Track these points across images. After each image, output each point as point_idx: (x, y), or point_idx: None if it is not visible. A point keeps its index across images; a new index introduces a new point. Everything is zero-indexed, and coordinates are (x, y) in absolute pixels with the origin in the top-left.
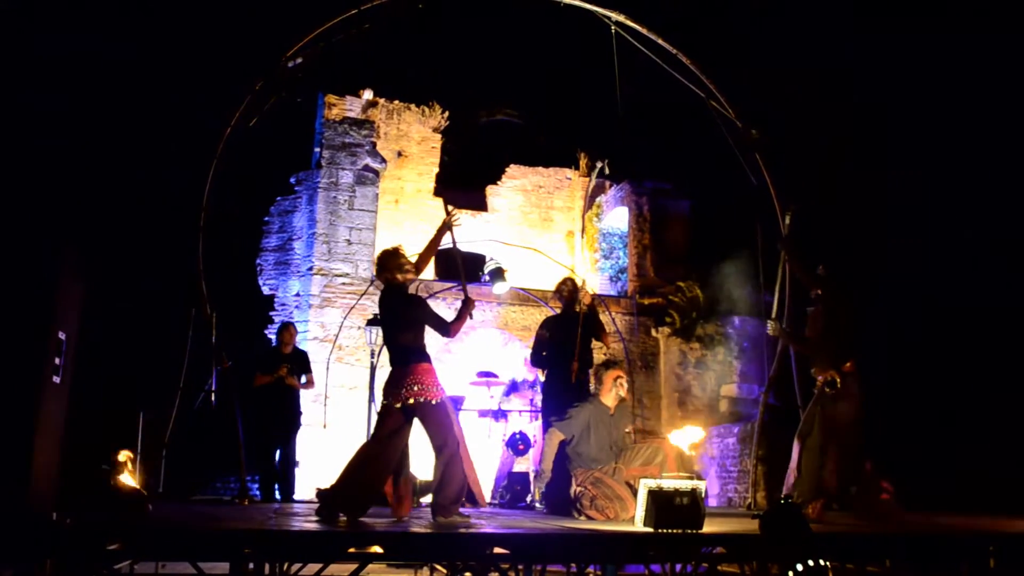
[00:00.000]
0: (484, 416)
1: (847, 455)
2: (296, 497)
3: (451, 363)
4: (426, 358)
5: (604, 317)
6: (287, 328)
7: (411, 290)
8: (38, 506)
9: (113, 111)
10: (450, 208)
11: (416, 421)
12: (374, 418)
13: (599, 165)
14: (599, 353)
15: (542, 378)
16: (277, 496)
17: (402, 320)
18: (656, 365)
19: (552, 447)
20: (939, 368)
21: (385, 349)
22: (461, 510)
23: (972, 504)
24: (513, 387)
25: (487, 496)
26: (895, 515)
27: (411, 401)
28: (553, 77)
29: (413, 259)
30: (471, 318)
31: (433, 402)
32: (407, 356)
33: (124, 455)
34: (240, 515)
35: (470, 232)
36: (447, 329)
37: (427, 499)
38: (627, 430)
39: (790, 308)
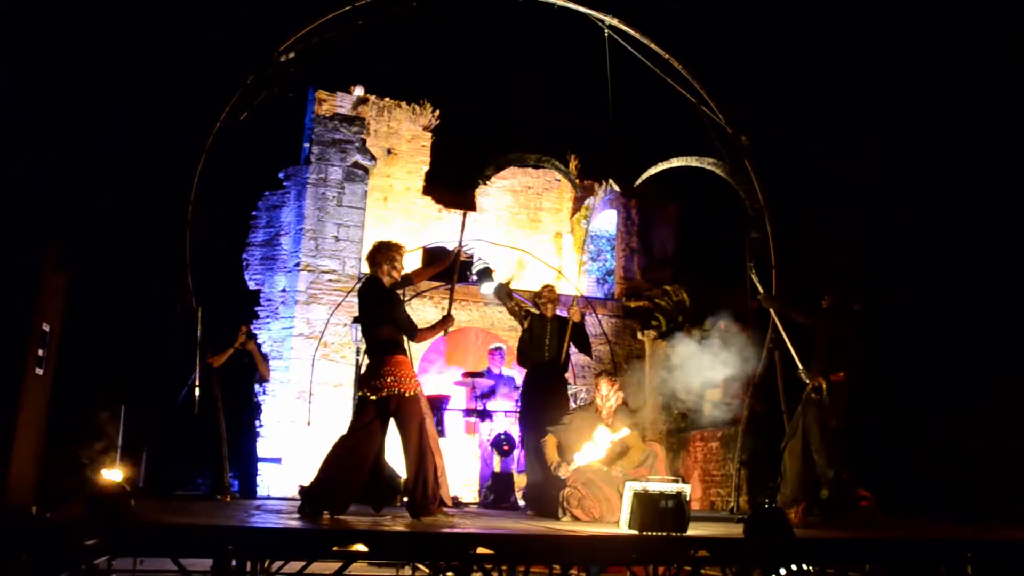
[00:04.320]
0: (469, 416)
1: (823, 461)
2: (279, 494)
3: (437, 363)
4: (402, 350)
5: (590, 319)
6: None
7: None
8: (16, 500)
9: (102, 102)
10: (463, 245)
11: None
12: None
13: (604, 184)
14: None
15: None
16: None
17: (377, 315)
18: (642, 368)
19: (552, 450)
20: (918, 376)
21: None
22: (444, 509)
23: (951, 511)
24: (492, 389)
25: (472, 496)
26: (875, 521)
27: (385, 393)
28: (544, 78)
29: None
30: (444, 333)
31: (407, 394)
32: (383, 348)
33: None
34: (223, 511)
35: (458, 231)
36: (415, 333)
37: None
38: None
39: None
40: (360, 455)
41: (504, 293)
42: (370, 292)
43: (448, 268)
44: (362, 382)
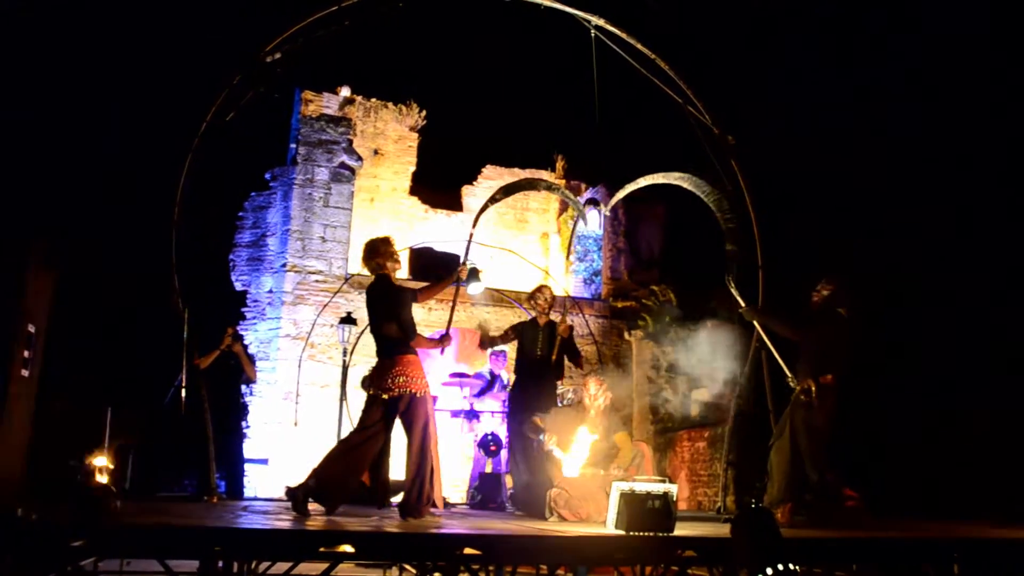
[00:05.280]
0: (456, 416)
1: (808, 462)
2: (266, 495)
3: (425, 363)
4: (411, 349)
5: (577, 320)
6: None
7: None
8: (2, 500)
9: (88, 103)
10: (462, 264)
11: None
12: (346, 417)
13: (590, 197)
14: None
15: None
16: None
17: (385, 311)
18: (628, 368)
19: (540, 424)
20: (910, 375)
21: (366, 346)
22: (432, 510)
23: (938, 511)
24: (485, 388)
25: (462, 498)
26: (862, 521)
27: (396, 392)
28: (531, 78)
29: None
30: (440, 353)
31: (417, 395)
32: (392, 347)
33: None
34: (209, 512)
35: (445, 232)
36: (412, 337)
37: (398, 498)
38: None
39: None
40: (361, 455)
41: (489, 341)
42: (379, 290)
43: (431, 261)
44: (372, 381)
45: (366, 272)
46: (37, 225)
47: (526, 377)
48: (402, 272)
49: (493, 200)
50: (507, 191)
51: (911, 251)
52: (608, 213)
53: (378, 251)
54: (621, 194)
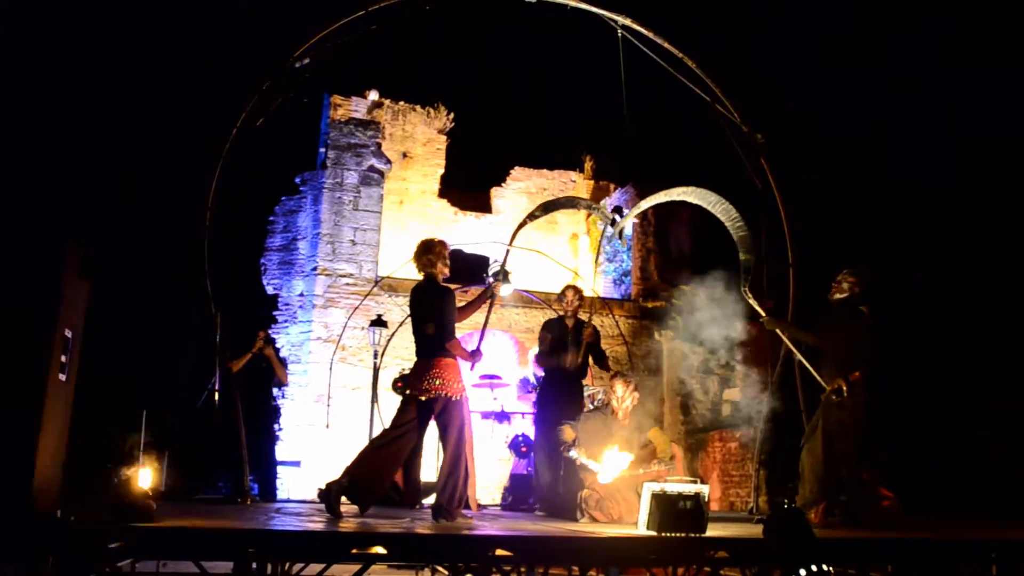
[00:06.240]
0: (487, 418)
1: (843, 463)
2: (298, 497)
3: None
4: (449, 353)
5: (607, 320)
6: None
7: None
8: (42, 503)
9: (120, 109)
10: (494, 281)
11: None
12: (377, 418)
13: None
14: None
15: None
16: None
17: (427, 310)
18: (659, 369)
19: (569, 433)
20: (943, 374)
21: (396, 348)
22: (464, 511)
23: (976, 511)
24: (526, 385)
25: (494, 499)
26: (897, 521)
27: (432, 394)
28: (558, 79)
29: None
30: (471, 368)
31: (453, 398)
32: (431, 349)
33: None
34: (243, 514)
35: (475, 234)
36: (449, 339)
37: (429, 500)
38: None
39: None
40: (393, 453)
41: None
42: (424, 289)
43: (462, 265)
44: (409, 381)
45: (396, 275)
46: (70, 230)
47: (553, 377)
48: None
49: (532, 217)
50: (546, 208)
51: (946, 245)
52: (636, 219)
53: (432, 250)
54: (627, 219)
